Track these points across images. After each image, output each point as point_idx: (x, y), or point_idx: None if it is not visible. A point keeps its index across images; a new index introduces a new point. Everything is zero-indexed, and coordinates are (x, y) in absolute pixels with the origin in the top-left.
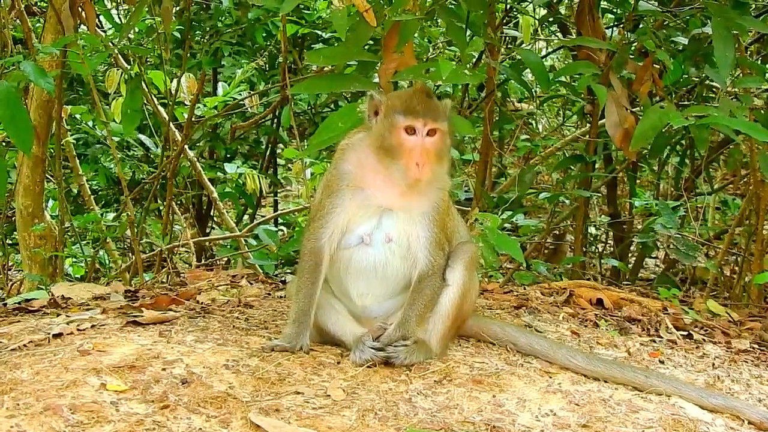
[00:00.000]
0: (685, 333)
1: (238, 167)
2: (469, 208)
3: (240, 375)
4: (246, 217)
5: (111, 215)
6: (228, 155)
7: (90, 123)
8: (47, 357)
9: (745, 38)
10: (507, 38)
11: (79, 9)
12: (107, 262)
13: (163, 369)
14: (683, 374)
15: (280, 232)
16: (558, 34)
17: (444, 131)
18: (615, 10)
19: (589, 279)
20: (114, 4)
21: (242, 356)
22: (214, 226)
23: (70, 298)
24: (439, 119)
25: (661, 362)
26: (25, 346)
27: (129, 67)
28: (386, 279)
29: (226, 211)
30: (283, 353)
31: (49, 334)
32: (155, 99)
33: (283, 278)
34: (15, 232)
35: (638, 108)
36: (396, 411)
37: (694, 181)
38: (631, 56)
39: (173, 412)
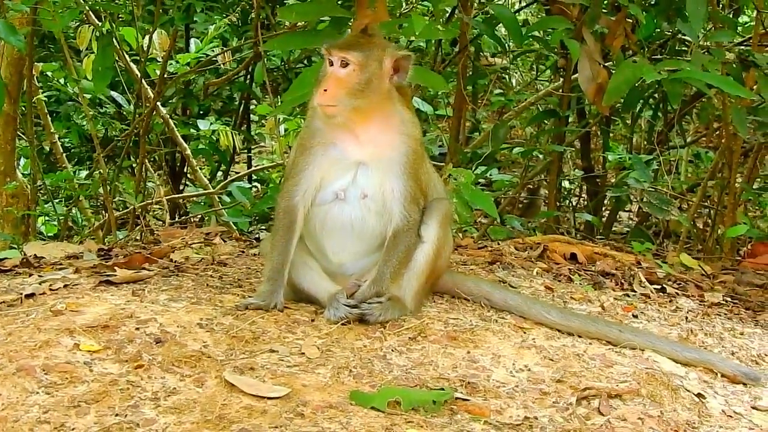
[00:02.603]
0: (659, 287)
1: (211, 124)
2: (443, 164)
3: (214, 334)
4: (220, 173)
5: (84, 173)
6: (201, 112)
7: (62, 80)
8: (20, 317)
9: None
10: None
11: None
12: (80, 220)
13: (137, 328)
14: (657, 328)
15: (253, 189)
16: None
17: (360, 65)
18: None
19: (563, 233)
20: None
21: (216, 315)
22: (187, 183)
23: (42, 258)
24: (350, 50)
25: (635, 316)
26: None
27: (100, 23)
28: (362, 235)
29: (200, 168)
30: (258, 311)
31: (21, 294)
32: (127, 56)
33: (257, 235)
34: None
35: (611, 62)
36: (371, 368)
37: (667, 134)
38: (603, 11)
39: (147, 372)
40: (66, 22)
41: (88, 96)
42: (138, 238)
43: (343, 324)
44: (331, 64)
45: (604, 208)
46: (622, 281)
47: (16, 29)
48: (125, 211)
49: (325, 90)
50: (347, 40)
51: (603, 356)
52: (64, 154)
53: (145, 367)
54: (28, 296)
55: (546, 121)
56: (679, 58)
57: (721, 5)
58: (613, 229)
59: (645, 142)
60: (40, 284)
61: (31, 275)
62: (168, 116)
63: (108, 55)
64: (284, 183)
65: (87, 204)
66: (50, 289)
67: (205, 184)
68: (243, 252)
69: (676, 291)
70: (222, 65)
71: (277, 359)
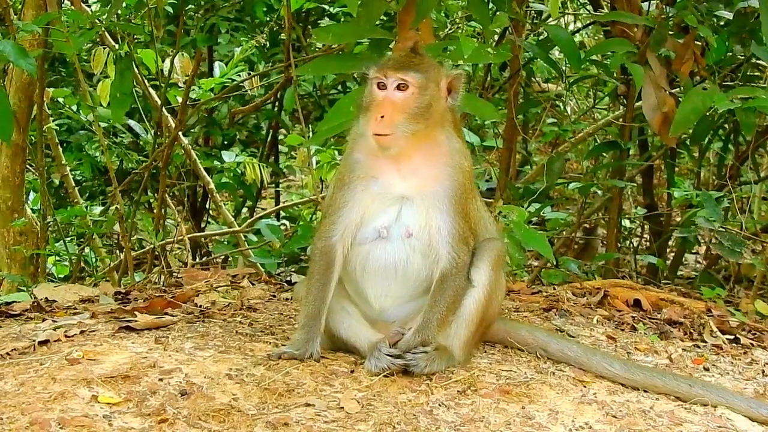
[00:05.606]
0: (732, 337)
1: (236, 155)
2: (492, 200)
3: (244, 385)
4: (245, 210)
5: (97, 209)
6: (225, 142)
7: (74, 107)
8: (33, 366)
9: None
10: (533, 13)
11: None
12: (93, 260)
13: (160, 379)
14: (730, 382)
15: (282, 227)
16: (589, 7)
17: (420, 87)
18: None
19: (624, 277)
20: None
21: (246, 365)
22: (210, 220)
23: (54, 301)
24: (410, 71)
25: (706, 369)
26: (7, 354)
27: (117, 45)
28: (406, 278)
29: (224, 204)
30: (292, 361)
31: (34, 341)
32: (146, 81)
33: (288, 278)
34: None
35: (678, 89)
36: (416, 424)
37: (738, 168)
38: (670, 32)
39: (172, 427)
40: (80, 45)
41: (103, 124)
42: (157, 280)
43: (385, 376)
44: (382, 88)
45: (669, 250)
46: (691, 330)
47: (27, 52)
48: (143, 250)
49: (382, 117)
50: (403, 61)
51: (671, 413)
52: (76, 188)
53: (169, 422)
54: (41, 343)
55: (605, 154)
56: (754, 85)
57: None
58: (679, 273)
59: (714, 177)
60: (54, 330)
61: (43, 320)
62: (190, 147)
63: (126, 79)
64: (321, 221)
65: (101, 243)
66: (65, 336)
67: (230, 222)
68: (274, 296)
69: (751, 341)
70: (249, 91)
71: (314, 414)
